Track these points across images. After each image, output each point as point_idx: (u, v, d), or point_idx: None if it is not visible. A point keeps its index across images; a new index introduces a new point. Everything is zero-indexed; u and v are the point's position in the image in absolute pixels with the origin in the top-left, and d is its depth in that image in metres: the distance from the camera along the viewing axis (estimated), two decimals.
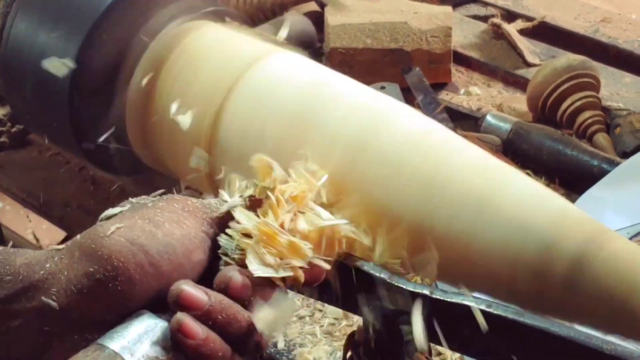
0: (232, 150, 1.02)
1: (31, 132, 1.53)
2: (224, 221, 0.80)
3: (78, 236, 0.77)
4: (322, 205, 0.84)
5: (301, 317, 1.20)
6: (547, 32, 1.81)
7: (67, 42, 1.14)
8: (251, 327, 0.76)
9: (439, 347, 1.12)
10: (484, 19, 1.84)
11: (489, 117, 1.51)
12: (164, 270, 0.75)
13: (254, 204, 0.81)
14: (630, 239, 1.24)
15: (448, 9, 1.67)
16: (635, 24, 1.83)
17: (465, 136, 0.98)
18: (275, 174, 0.84)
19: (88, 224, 1.37)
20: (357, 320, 1.15)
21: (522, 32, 1.79)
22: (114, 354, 0.71)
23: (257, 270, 0.77)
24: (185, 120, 1.04)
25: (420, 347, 0.80)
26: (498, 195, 0.86)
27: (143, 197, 0.83)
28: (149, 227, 0.76)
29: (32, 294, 0.74)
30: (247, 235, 0.78)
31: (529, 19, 1.83)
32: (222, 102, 1.03)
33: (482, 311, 0.80)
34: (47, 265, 0.75)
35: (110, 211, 0.81)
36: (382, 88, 1.53)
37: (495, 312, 0.80)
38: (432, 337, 0.85)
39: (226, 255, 0.79)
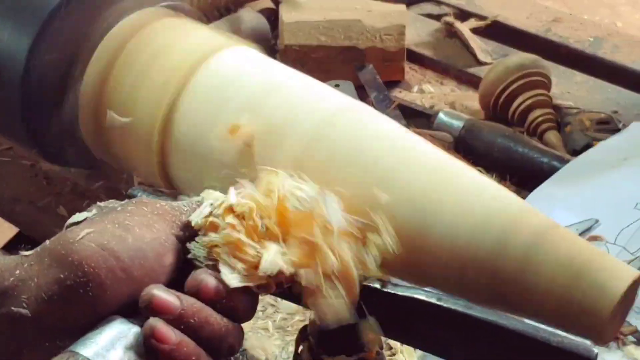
0: (185, 143, 1.02)
1: None
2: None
3: (47, 242, 0.76)
4: None
5: None
6: (499, 31, 1.83)
7: (18, 36, 1.14)
8: (223, 330, 0.76)
9: (390, 341, 1.13)
10: (438, 17, 1.85)
11: (441, 115, 1.52)
12: (136, 275, 0.74)
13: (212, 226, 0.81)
14: (580, 234, 1.26)
15: (402, 7, 1.68)
16: (586, 24, 1.86)
17: (418, 133, 0.98)
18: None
19: (39, 220, 1.37)
20: (309, 315, 1.15)
21: (475, 31, 1.80)
22: None
23: (233, 280, 0.77)
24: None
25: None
26: (446, 190, 0.87)
27: (111, 201, 0.82)
28: (119, 231, 0.75)
29: (1, 301, 0.73)
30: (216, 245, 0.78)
31: (482, 18, 1.84)
32: (175, 95, 1.03)
33: (433, 304, 0.81)
34: (17, 272, 0.74)
35: (77, 216, 0.80)
36: (337, 86, 1.53)
37: (445, 305, 0.81)
38: (383, 330, 0.86)
39: (198, 260, 0.78)
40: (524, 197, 1.30)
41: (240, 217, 0.79)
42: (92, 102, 1.11)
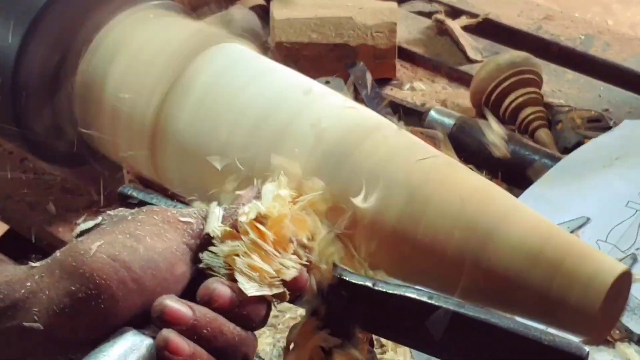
0: (177, 137, 1.02)
1: None
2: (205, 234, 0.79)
3: (58, 253, 0.75)
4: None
5: None
6: (490, 29, 1.83)
7: (9, 31, 1.13)
8: (237, 339, 0.75)
9: (382, 339, 1.13)
10: (429, 15, 1.85)
11: (432, 112, 1.52)
12: (148, 285, 0.74)
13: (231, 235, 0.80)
14: (571, 232, 1.26)
15: (393, 4, 1.68)
16: (577, 22, 1.86)
17: (409, 131, 0.98)
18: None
19: (29, 216, 1.36)
20: (300, 312, 1.15)
21: (466, 28, 1.80)
22: None
23: (251, 289, 0.76)
24: None
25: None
26: (430, 187, 0.87)
27: (121, 209, 0.81)
28: (130, 242, 0.74)
29: (12, 313, 0.72)
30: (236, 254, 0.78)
31: (473, 15, 1.85)
32: (167, 90, 1.03)
33: (424, 302, 0.81)
34: (28, 283, 0.73)
35: (84, 225, 0.79)
36: (327, 83, 1.53)
37: (436, 303, 0.81)
38: (374, 328, 0.86)
39: (211, 270, 0.77)
40: (515, 195, 1.30)
41: (263, 224, 0.79)
42: (86, 97, 1.11)
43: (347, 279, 0.84)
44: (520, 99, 1.54)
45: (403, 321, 0.83)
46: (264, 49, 1.63)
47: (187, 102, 1.01)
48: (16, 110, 1.15)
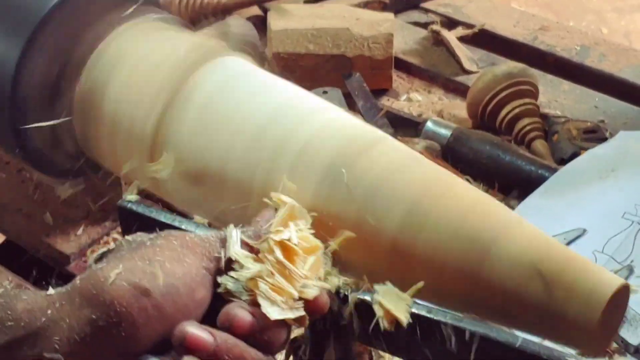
0: (177, 150, 1.02)
1: None
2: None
3: (77, 280, 0.75)
4: None
5: None
6: (487, 40, 1.83)
7: (8, 43, 1.13)
8: None
9: (380, 352, 1.13)
10: (425, 25, 1.86)
11: (429, 123, 1.52)
12: (168, 312, 0.74)
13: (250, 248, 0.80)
14: (567, 244, 1.27)
15: (390, 15, 1.68)
16: (572, 32, 1.86)
17: (405, 142, 0.99)
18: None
19: (26, 227, 1.36)
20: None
21: (462, 39, 1.80)
22: None
23: (273, 312, 0.76)
24: None
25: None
26: (428, 201, 0.87)
27: (139, 234, 0.81)
28: (149, 268, 0.74)
29: (33, 342, 0.72)
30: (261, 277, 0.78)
31: (469, 26, 1.85)
32: (167, 104, 1.03)
33: (422, 316, 0.81)
34: (49, 312, 0.73)
35: (101, 251, 0.80)
36: (324, 93, 1.54)
37: (435, 317, 0.81)
38: (373, 341, 0.86)
39: (232, 295, 0.77)
40: (511, 207, 1.31)
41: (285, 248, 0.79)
42: (86, 109, 1.11)
43: (347, 293, 0.84)
44: (516, 110, 1.54)
45: (401, 335, 0.83)
46: (261, 60, 1.63)
47: (187, 116, 1.02)
48: (15, 122, 1.15)
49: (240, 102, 1.00)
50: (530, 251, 0.83)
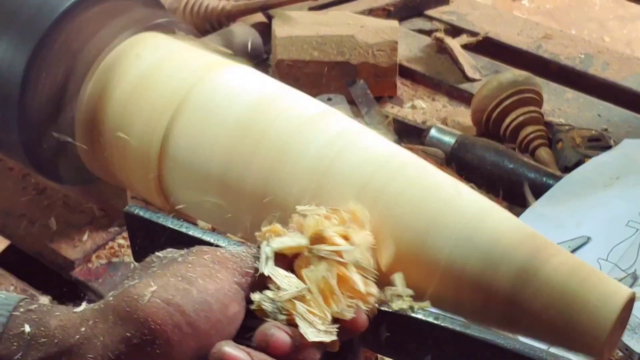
0: (183, 162, 1.02)
1: None
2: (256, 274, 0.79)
3: (110, 297, 0.75)
4: None
5: None
6: (490, 48, 1.84)
7: (15, 52, 1.13)
8: None
9: (386, 359, 1.13)
10: (429, 33, 1.86)
11: (433, 131, 1.53)
12: (202, 328, 0.74)
13: (283, 263, 0.80)
14: (572, 252, 1.27)
15: (394, 23, 1.69)
16: (575, 40, 1.86)
17: (410, 149, 0.99)
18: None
19: (30, 232, 1.36)
20: None
21: (466, 47, 1.81)
22: None
23: (311, 334, 0.76)
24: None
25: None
26: (445, 212, 0.87)
27: (169, 250, 0.80)
28: (182, 284, 0.74)
29: (67, 359, 0.72)
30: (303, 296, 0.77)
31: (473, 34, 1.85)
32: (172, 115, 1.03)
33: (430, 323, 0.81)
34: (82, 329, 0.73)
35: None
36: (329, 100, 1.54)
37: (442, 324, 0.81)
38: (378, 348, 0.86)
39: (265, 314, 0.77)
40: (515, 214, 1.31)
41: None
42: (88, 119, 1.11)
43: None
44: (521, 118, 1.55)
45: (408, 341, 0.83)
46: (265, 67, 1.64)
47: (193, 127, 1.01)
48: (21, 130, 1.15)
49: (245, 110, 1.00)
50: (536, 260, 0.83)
